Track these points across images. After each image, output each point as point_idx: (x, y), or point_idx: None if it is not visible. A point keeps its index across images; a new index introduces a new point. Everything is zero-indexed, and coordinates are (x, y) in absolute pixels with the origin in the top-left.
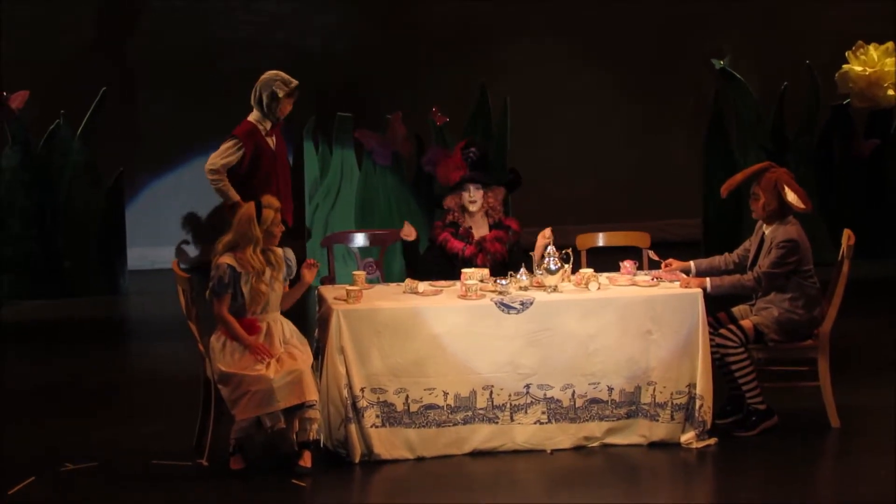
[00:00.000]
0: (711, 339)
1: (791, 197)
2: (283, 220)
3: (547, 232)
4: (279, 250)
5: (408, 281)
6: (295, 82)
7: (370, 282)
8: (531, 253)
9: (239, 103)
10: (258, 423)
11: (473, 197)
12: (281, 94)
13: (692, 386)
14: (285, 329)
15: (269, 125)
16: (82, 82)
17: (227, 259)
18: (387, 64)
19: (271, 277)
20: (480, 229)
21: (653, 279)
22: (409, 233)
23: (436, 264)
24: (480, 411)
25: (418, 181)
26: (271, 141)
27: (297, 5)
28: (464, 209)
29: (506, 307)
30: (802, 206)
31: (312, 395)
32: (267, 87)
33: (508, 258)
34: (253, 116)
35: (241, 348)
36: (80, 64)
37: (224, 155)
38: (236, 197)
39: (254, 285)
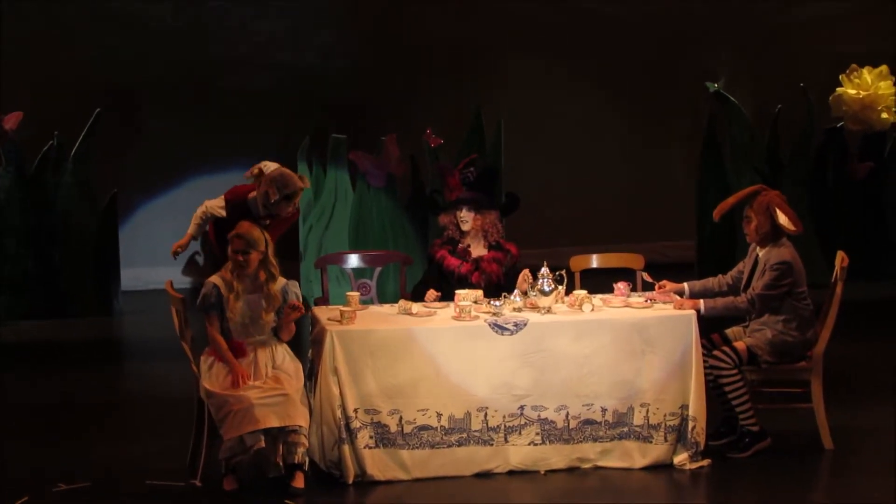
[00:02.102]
0: (705, 361)
1: (782, 219)
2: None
3: (526, 274)
4: (279, 282)
5: (402, 302)
6: (295, 186)
7: (364, 303)
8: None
9: (234, 123)
10: (243, 443)
11: (465, 218)
12: (273, 199)
13: (685, 407)
14: (276, 356)
15: (265, 214)
16: (77, 103)
17: (214, 278)
18: (382, 85)
19: (257, 306)
20: (478, 249)
21: (646, 301)
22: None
23: (435, 283)
24: (475, 433)
25: (412, 203)
26: (265, 221)
27: (293, 26)
28: (458, 228)
29: (500, 328)
30: (793, 228)
31: (296, 420)
32: (265, 186)
33: (504, 280)
34: (253, 195)
35: (228, 369)
36: (74, 84)
37: (214, 205)
38: (195, 233)
39: (227, 308)
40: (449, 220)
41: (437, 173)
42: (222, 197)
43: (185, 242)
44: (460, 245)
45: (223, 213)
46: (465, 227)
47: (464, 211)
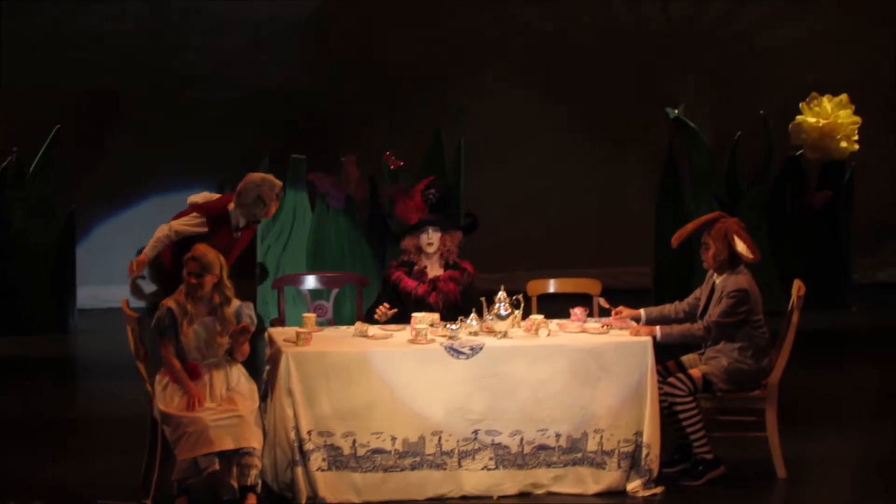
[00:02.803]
0: (660, 388)
1: (740, 247)
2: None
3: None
4: (234, 304)
5: (358, 324)
6: (279, 185)
7: (320, 324)
8: (482, 298)
9: (194, 140)
10: (196, 465)
11: (431, 239)
12: (267, 200)
13: (639, 434)
14: (231, 377)
15: (243, 222)
16: (36, 118)
17: (169, 301)
18: (342, 106)
19: (211, 328)
20: (434, 271)
21: (603, 326)
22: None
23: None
24: (429, 457)
25: (371, 224)
26: (237, 234)
27: (254, 45)
28: (420, 250)
29: (455, 352)
30: (751, 255)
31: (250, 441)
32: (254, 190)
33: (461, 300)
34: (232, 205)
35: (183, 390)
36: (33, 99)
37: (187, 223)
38: (150, 255)
39: (181, 330)
40: (413, 242)
41: (390, 197)
42: (187, 215)
43: (141, 266)
44: (416, 266)
45: (203, 228)
46: (430, 250)
47: (430, 232)
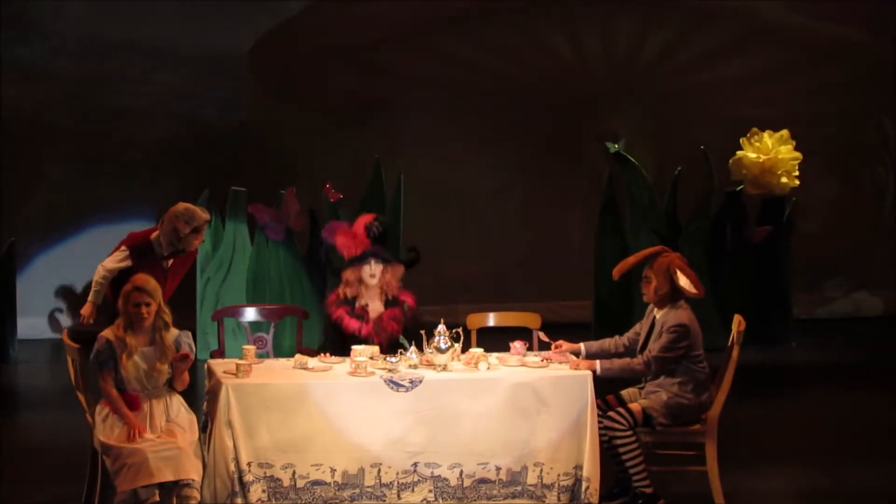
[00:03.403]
0: (600, 422)
1: (683, 281)
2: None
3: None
4: (172, 333)
5: (297, 356)
6: (202, 219)
7: (260, 356)
8: (421, 331)
9: (134, 173)
10: (137, 496)
11: (374, 271)
12: (182, 233)
13: (579, 468)
14: (171, 408)
15: (167, 251)
16: None
17: (106, 333)
18: (281, 139)
19: (151, 358)
20: (374, 303)
21: (542, 360)
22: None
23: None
24: (368, 489)
25: (311, 257)
26: (166, 263)
27: (193, 77)
28: (361, 282)
29: (395, 385)
30: (694, 290)
31: (189, 473)
32: (171, 222)
33: (400, 335)
34: (156, 234)
35: (123, 421)
36: None
37: (114, 260)
38: (97, 300)
39: (119, 362)
40: (355, 275)
41: (329, 232)
42: (116, 251)
43: (90, 312)
44: (357, 303)
45: (127, 262)
46: (372, 282)
47: (373, 264)
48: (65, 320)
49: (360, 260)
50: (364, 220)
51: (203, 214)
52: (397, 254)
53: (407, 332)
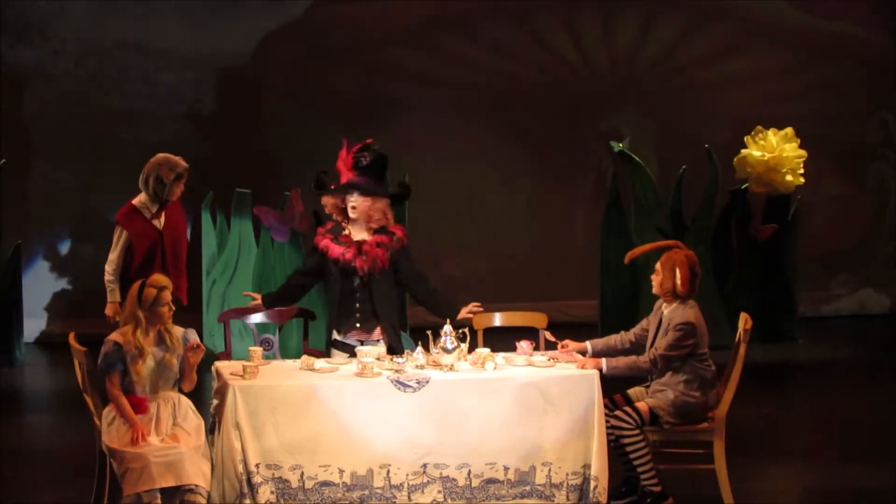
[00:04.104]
0: (607, 421)
1: (678, 279)
2: (175, 299)
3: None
4: (178, 330)
5: (304, 357)
6: (182, 166)
7: (266, 358)
8: (428, 332)
9: (135, 176)
10: (140, 500)
11: (354, 202)
12: (166, 180)
13: (587, 467)
14: (179, 410)
15: (155, 207)
16: None
17: (114, 336)
18: (286, 140)
19: (163, 358)
20: (360, 234)
21: (549, 360)
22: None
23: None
24: (377, 490)
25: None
26: (158, 222)
27: (195, 78)
28: (343, 212)
29: (402, 385)
30: (681, 288)
31: (192, 479)
32: (153, 171)
33: (388, 266)
34: (138, 198)
35: (128, 425)
36: None
37: (114, 247)
38: (116, 298)
39: (131, 366)
40: (333, 203)
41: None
42: (113, 239)
43: (114, 311)
44: (342, 233)
45: (123, 239)
46: (353, 214)
47: (354, 195)
48: (70, 323)
49: (342, 189)
50: (357, 148)
51: (183, 162)
52: (385, 186)
53: (398, 268)
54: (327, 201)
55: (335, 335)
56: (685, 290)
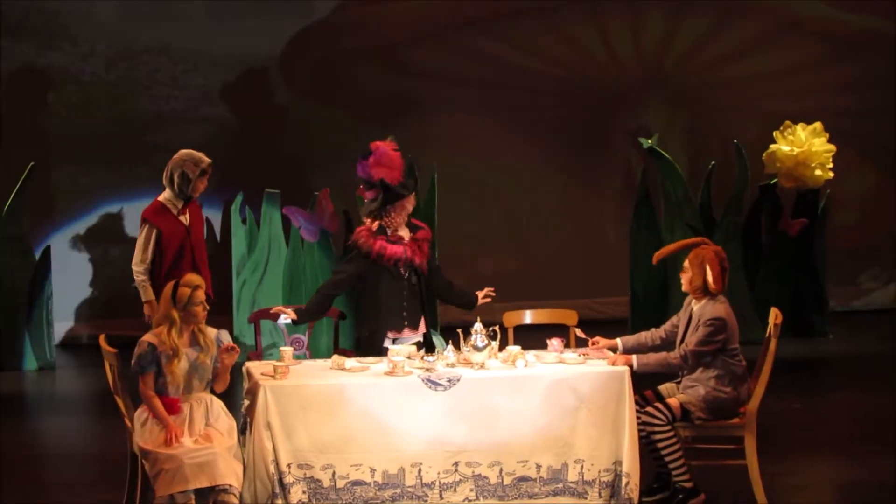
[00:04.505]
0: (638, 417)
1: (709, 276)
2: (207, 297)
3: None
4: (211, 331)
5: (335, 357)
6: (206, 161)
7: (297, 358)
8: (458, 330)
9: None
10: (174, 501)
11: (413, 200)
12: (192, 175)
13: (619, 463)
14: (211, 411)
15: (181, 203)
16: (7, 156)
17: (148, 337)
18: (314, 139)
19: (197, 359)
20: (404, 230)
21: (580, 356)
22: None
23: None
24: (409, 489)
25: (346, 257)
26: (184, 218)
27: (223, 79)
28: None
29: (433, 384)
30: (714, 285)
31: (225, 479)
32: (178, 167)
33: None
34: (163, 196)
35: (161, 426)
36: (4, 137)
37: (140, 245)
38: (150, 296)
39: (165, 367)
40: (402, 205)
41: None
42: (139, 236)
43: (152, 310)
44: (391, 233)
45: (151, 235)
46: (411, 209)
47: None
48: (98, 325)
49: (407, 190)
50: (388, 147)
51: (206, 158)
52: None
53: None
54: (402, 205)
55: (388, 340)
56: (718, 287)
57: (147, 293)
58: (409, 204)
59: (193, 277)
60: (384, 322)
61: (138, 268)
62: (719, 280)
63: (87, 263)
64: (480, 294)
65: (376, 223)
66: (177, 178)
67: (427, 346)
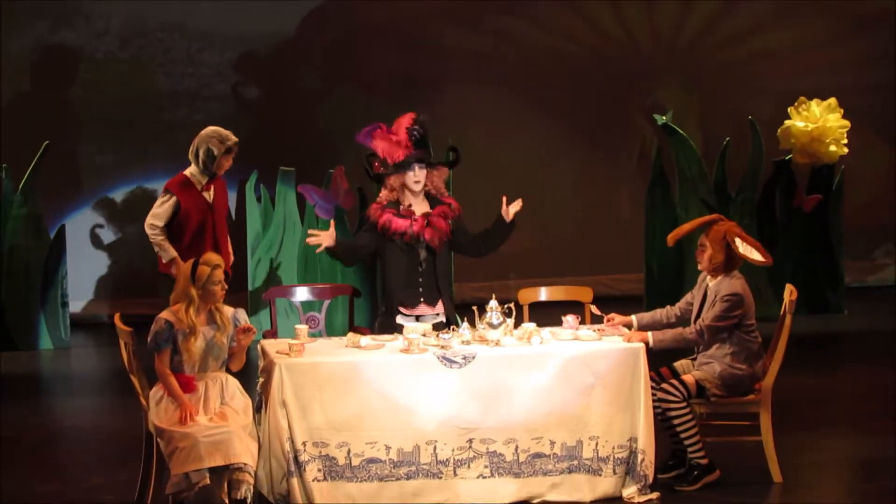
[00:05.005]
0: (653, 394)
1: (744, 249)
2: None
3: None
4: (228, 310)
5: (350, 335)
6: (233, 139)
7: (312, 335)
8: (473, 308)
9: (182, 155)
10: (188, 479)
11: (418, 177)
12: (217, 152)
13: (634, 440)
14: (227, 390)
15: (205, 179)
16: (22, 134)
17: (166, 314)
18: (329, 116)
19: (213, 338)
20: (419, 206)
21: (595, 333)
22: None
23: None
24: (424, 466)
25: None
26: (208, 195)
27: (238, 57)
28: (404, 189)
29: (448, 361)
30: (762, 259)
31: (240, 457)
32: (204, 143)
33: (452, 237)
34: (189, 170)
35: (176, 404)
36: (19, 116)
37: (158, 206)
38: (173, 253)
39: (182, 344)
40: (399, 181)
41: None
42: (161, 197)
43: (174, 261)
44: (402, 206)
45: (171, 201)
46: (417, 188)
47: (416, 169)
48: (114, 304)
49: (404, 166)
50: (404, 122)
51: (233, 136)
52: (441, 155)
53: (455, 236)
54: (392, 182)
55: (400, 315)
56: (768, 259)
57: (168, 252)
58: (411, 181)
59: (213, 256)
60: (396, 297)
61: (152, 229)
62: (764, 251)
63: (102, 242)
64: (504, 210)
65: (390, 196)
66: (202, 153)
67: (449, 327)
